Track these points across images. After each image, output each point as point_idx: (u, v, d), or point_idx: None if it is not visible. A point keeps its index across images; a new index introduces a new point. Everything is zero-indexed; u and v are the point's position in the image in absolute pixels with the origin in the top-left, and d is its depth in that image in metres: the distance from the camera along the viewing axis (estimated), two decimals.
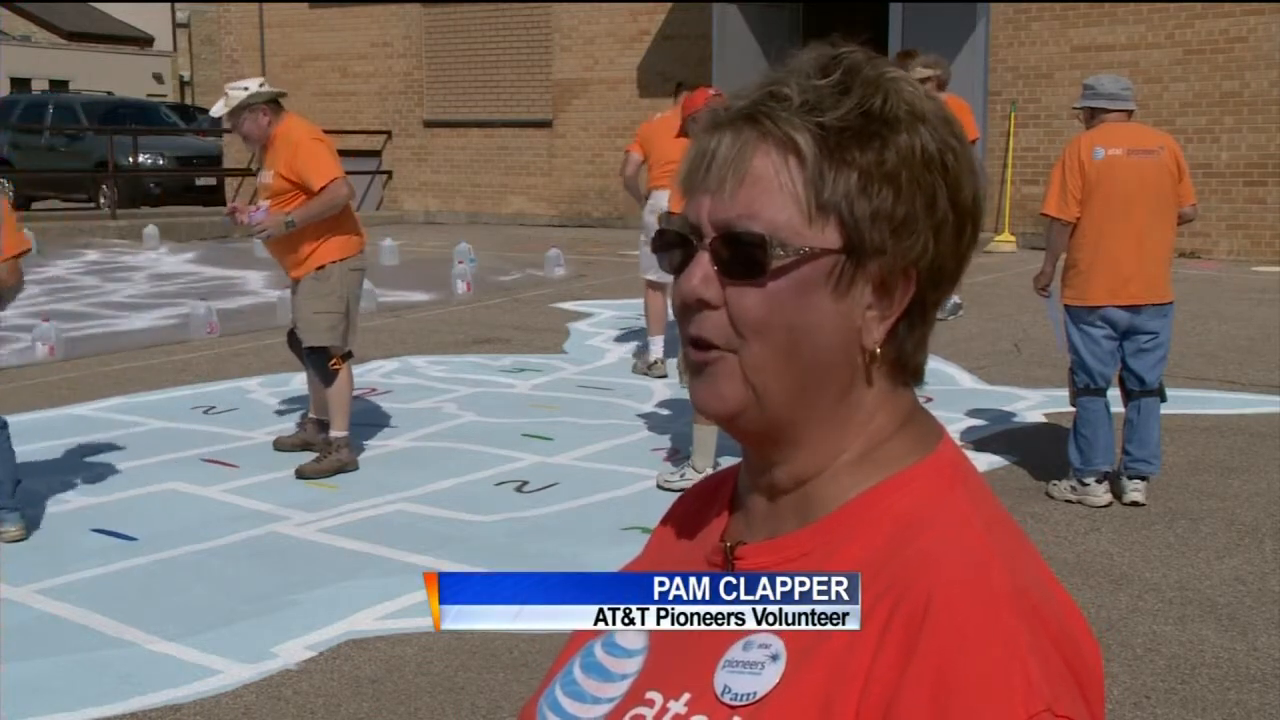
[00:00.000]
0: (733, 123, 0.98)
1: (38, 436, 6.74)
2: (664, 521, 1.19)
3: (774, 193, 0.96)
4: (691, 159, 1.00)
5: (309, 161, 5.98)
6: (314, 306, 6.06)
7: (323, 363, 6.13)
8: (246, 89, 6.06)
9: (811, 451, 1.01)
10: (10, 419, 5.37)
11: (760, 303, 0.96)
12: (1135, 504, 5.53)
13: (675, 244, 1.00)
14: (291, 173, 5.98)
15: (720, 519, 1.09)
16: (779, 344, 0.96)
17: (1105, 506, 5.52)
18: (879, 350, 0.99)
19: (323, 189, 5.96)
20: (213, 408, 7.53)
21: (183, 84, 40.92)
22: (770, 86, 0.98)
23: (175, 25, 43.37)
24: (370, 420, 7.00)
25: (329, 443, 6.16)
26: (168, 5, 43.29)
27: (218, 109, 6.17)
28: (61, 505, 5.65)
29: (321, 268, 6.07)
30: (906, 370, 1.02)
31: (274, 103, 6.13)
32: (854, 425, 1.00)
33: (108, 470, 6.17)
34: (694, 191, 0.99)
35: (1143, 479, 5.56)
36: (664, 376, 8.14)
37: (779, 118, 0.96)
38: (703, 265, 0.97)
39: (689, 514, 1.15)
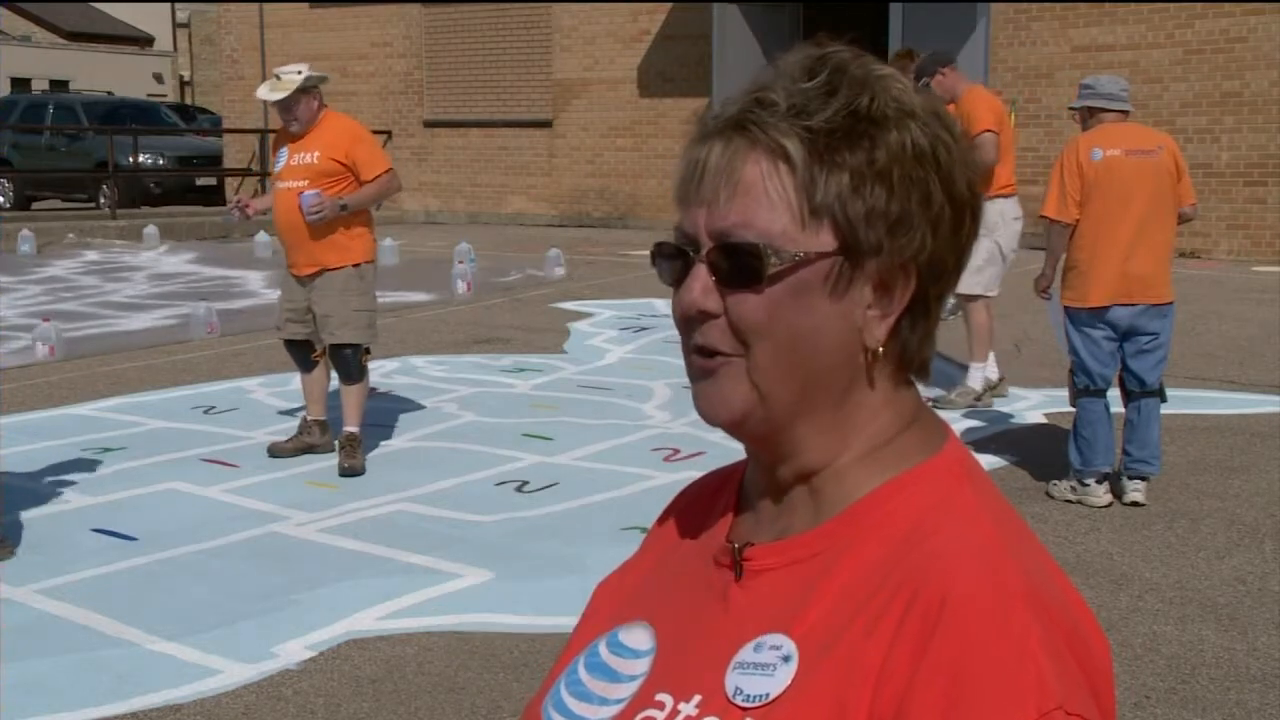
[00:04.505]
0: (721, 132, 0.98)
1: (38, 436, 6.74)
2: (663, 518, 1.18)
3: (766, 200, 0.96)
4: (683, 171, 1.00)
5: (370, 149, 6.26)
6: (353, 304, 6.20)
7: (354, 359, 6.23)
8: (300, 72, 6.10)
9: (815, 451, 1.01)
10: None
11: (760, 308, 0.96)
12: (1135, 504, 5.53)
13: (673, 256, 1.01)
14: (347, 157, 6.13)
15: (725, 518, 1.09)
16: (781, 347, 0.97)
17: (1105, 507, 5.52)
18: (882, 349, 0.99)
19: (378, 177, 6.18)
20: (213, 408, 7.53)
21: (183, 84, 40.86)
22: (757, 93, 0.98)
23: (175, 25, 43.31)
24: (370, 420, 6.98)
25: (354, 439, 6.18)
26: (168, 5, 43.24)
27: (266, 92, 6.15)
28: (61, 505, 5.65)
29: (358, 265, 6.23)
30: (911, 368, 1.02)
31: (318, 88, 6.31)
32: (857, 425, 1.01)
33: (108, 470, 6.17)
34: (688, 203, 1.00)
35: (1143, 479, 5.56)
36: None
37: (766, 124, 0.96)
38: (701, 276, 0.98)
39: (691, 512, 1.14)
